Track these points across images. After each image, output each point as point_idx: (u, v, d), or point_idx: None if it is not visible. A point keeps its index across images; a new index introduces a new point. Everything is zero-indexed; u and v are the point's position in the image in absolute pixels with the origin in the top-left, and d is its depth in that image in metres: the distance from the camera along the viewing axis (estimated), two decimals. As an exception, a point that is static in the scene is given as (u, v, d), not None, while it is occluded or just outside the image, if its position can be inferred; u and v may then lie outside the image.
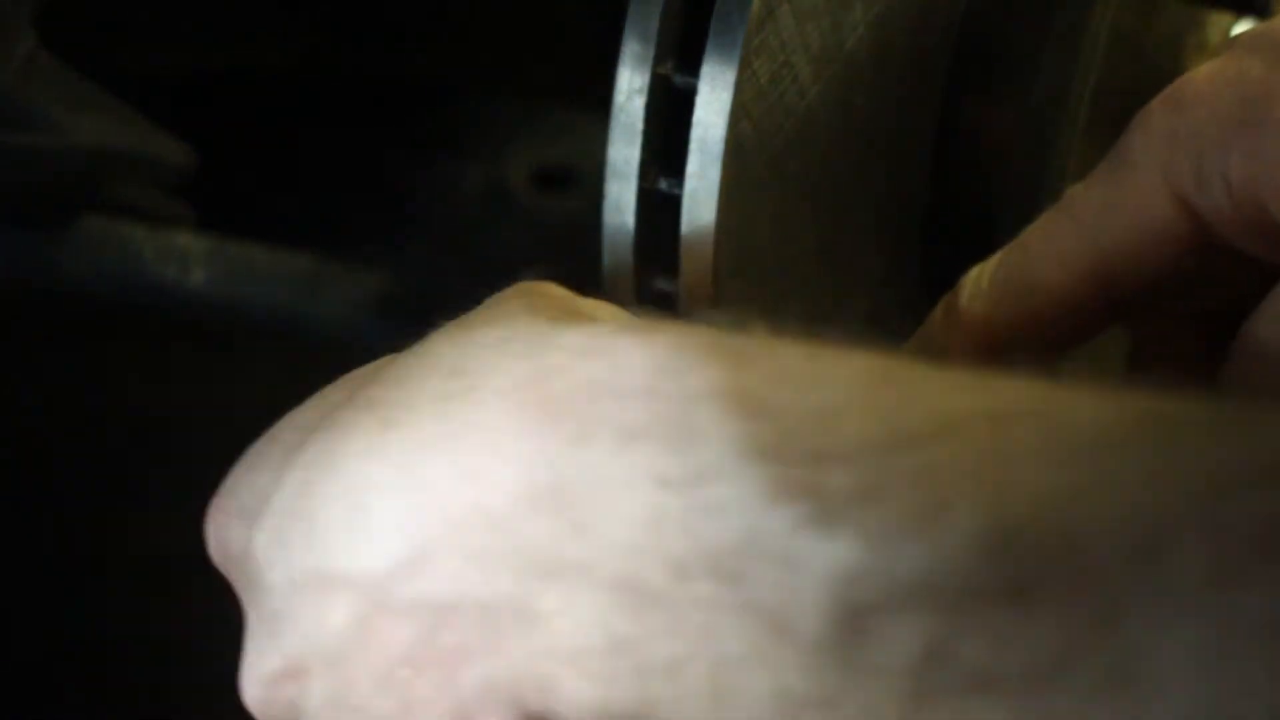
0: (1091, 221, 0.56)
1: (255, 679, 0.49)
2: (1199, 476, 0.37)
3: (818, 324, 0.63)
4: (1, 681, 1.05)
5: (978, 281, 0.59)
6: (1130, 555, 0.36)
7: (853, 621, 0.38)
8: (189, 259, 0.79)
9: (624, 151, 0.61)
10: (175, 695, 1.03)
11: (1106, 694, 0.36)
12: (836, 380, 0.42)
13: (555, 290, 0.50)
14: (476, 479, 0.43)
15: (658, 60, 0.60)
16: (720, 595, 0.40)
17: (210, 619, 1.13)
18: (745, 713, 0.39)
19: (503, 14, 1.02)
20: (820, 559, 0.38)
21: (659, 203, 0.61)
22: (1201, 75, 0.55)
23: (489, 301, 0.49)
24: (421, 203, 0.98)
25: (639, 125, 0.60)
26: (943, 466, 0.39)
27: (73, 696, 1.04)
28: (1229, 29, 0.69)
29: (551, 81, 1.06)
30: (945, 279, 0.67)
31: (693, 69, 0.59)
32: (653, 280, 0.62)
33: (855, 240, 0.64)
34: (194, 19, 0.91)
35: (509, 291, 0.50)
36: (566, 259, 0.96)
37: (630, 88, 0.61)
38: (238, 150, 1.01)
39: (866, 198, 0.64)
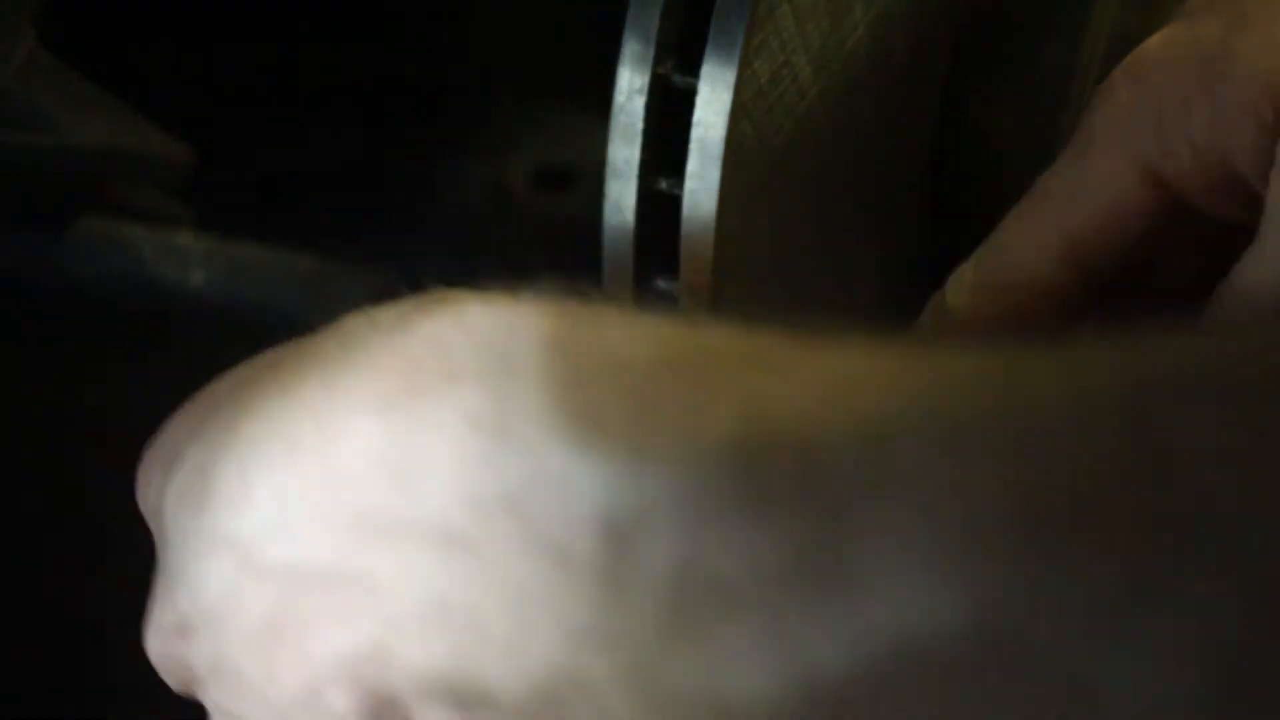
0: (1061, 205, 0.56)
1: (152, 632, 0.49)
2: (922, 396, 0.38)
3: (817, 323, 0.63)
4: (3, 677, 1.05)
5: (960, 279, 0.59)
6: (856, 457, 0.36)
7: (618, 541, 0.38)
8: (189, 259, 0.79)
9: (624, 151, 0.61)
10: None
11: (832, 594, 0.36)
12: (646, 326, 0.43)
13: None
14: (334, 440, 0.43)
15: (658, 60, 0.60)
16: (515, 532, 0.39)
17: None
18: (540, 663, 0.39)
19: (503, 14, 1.02)
20: (588, 479, 0.39)
21: (659, 203, 0.61)
22: (1157, 42, 0.55)
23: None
24: (421, 203, 0.98)
25: (639, 125, 0.60)
26: (706, 387, 0.39)
27: (72, 692, 1.04)
28: None
29: (551, 81, 1.06)
30: (946, 279, 0.67)
31: (693, 69, 0.59)
32: (653, 280, 0.62)
33: (855, 240, 0.64)
34: (194, 19, 0.91)
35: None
36: (566, 259, 0.96)
37: (630, 88, 0.61)
38: (238, 150, 1.01)
39: (867, 198, 0.64)
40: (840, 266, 0.64)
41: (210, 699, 0.48)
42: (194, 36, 0.93)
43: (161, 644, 0.49)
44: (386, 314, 0.46)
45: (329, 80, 1.02)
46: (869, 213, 0.64)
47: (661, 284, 0.61)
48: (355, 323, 0.47)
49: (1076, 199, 0.55)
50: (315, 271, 0.79)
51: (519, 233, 0.96)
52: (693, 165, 0.59)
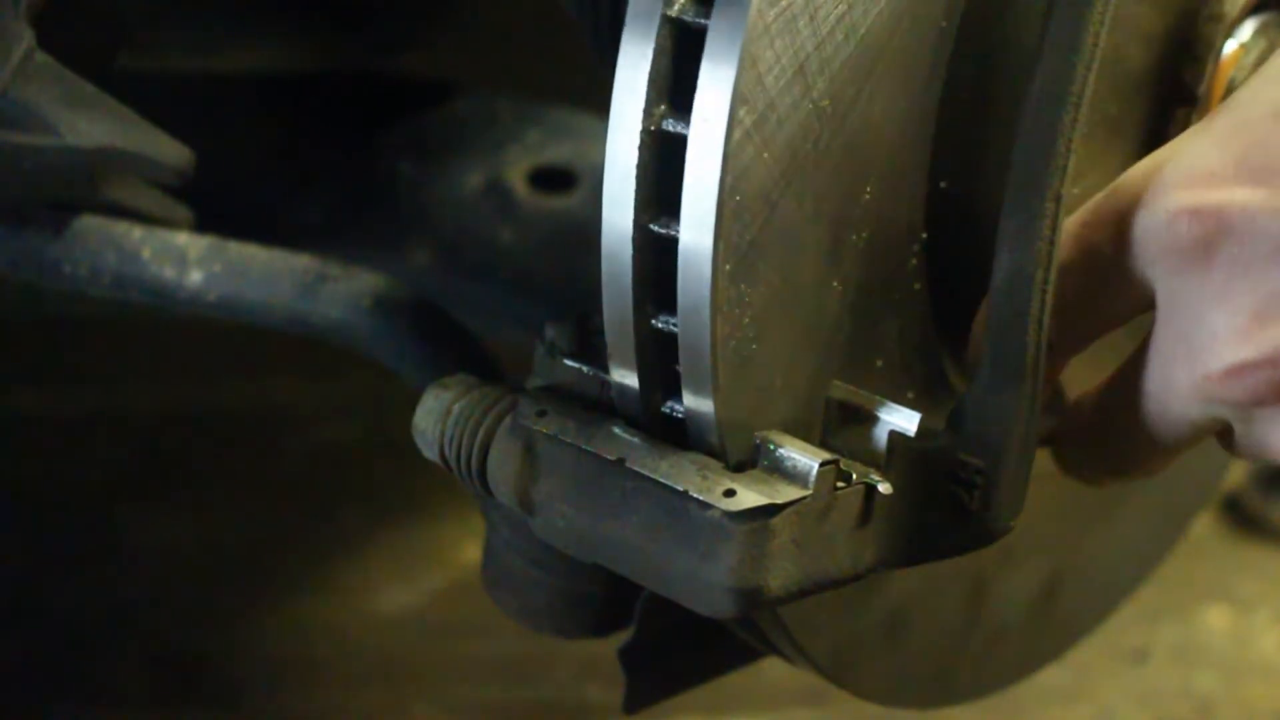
0: None
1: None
2: None
3: (817, 315, 0.63)
4: (4, 673, 1.05)
5: None
6: None
7: None
8: (188, 259, 0.79)
9: (624, 151, 0.61)
10: (175, 695, 1.03)
11: None
12: None
13: None
14: None
15: (656, 59, 0.60)
16: None
17: (208, 610, 1.12)
18: None
19: (503, 14, 1.02)
20: None
21: (659, 200, 0.61)
22: None
23: None
24: (421, 203, 0.99)
25: (638, 125, 0.61)
26: None
27: (72, 689, 1.04)
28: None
29: (551, 81, 1.06)
30: (945, 274, 0.67)
31: (691, 70, 0.60)
32: (653, 277, 0.62)
33: (856, 237, 0.64)
34: (194, 20, 0.91)
35: None
36: (565, 258, 0.96)
37: (630, 91, 0.61)
38: (238, 150, 1.01)
39: (868, 196, 0.64)
40: (840, 264, 0.64)
41: None
42: (195, 37, 0.93)
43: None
44: None
45: (329, 80, 1.02)
46: (870, 211, 0.64)
47: (660, 323, 0.62)
48: None
49: None
50: (315, 271, 0.79)
51: (518, 233, 0.97)
52: (694, 167, 0.60)
